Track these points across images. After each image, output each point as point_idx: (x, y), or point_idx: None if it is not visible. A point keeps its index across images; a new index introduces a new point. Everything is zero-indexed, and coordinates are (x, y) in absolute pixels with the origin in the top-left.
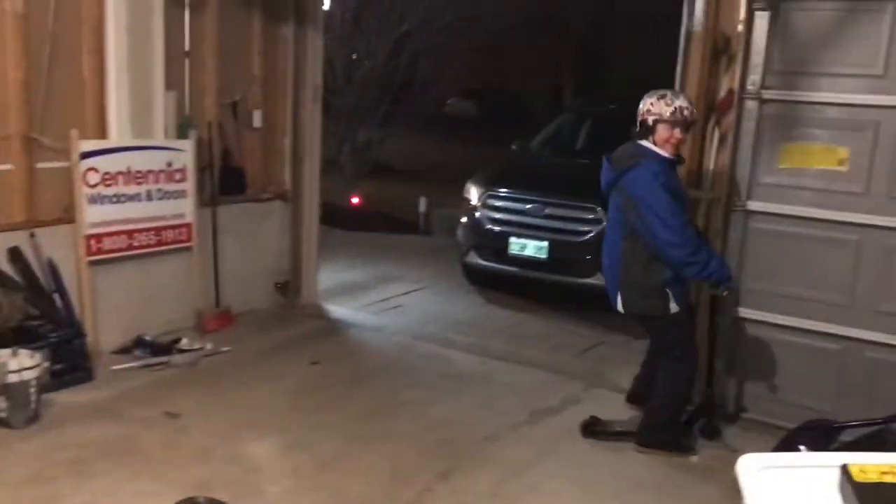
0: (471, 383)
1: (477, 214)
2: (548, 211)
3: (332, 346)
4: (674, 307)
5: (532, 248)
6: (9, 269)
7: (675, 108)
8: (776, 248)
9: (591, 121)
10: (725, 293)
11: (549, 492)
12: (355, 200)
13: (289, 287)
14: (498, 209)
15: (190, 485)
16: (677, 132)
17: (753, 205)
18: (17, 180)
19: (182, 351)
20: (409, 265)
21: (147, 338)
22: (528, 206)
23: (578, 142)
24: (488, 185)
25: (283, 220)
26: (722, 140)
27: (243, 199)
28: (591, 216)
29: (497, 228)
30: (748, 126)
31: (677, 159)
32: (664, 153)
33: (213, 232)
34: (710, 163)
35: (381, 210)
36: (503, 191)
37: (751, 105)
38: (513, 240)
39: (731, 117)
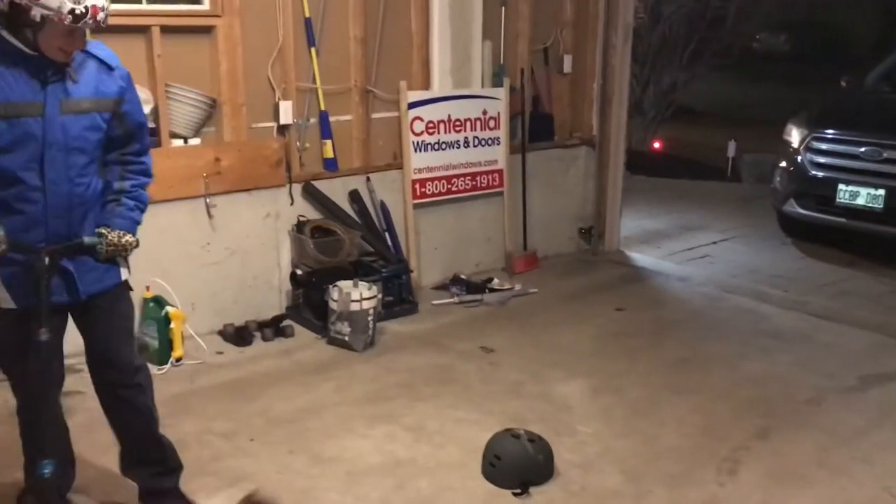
0: (788, 341)
1: (798, 159)
2: (886, 154)
3: (636, 294)
4: None
5: (865, 196)
6: (349, 210)
7: None
8: None
9: None
10: None
11: (885, 465)
12: (657, 145)
13: (592, 233)
14: (824, 153)
15: (506, 417)
16: None
17: None
18: (356, 129)
19: (493, 290)
20: (715, 214)
21: (462, 276)
22: (862, 150)
23: None
24: (813, 125)
25: (589, 165)
26: None
27: (551, 145)
28: None
29: (822, 174)
30: None
31: None
32: None
33: (523, 177)
34: None
35: (684, 155)
36: (831, 132)
37: None
38: (841, 187)
39: None
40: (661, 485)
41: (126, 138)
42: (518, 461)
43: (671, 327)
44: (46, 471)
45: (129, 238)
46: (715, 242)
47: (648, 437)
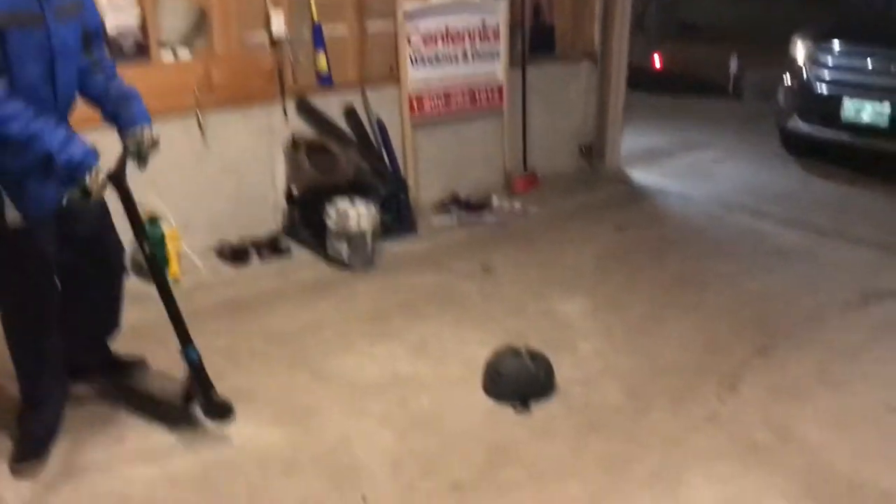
0: (789, 259)
1: (803, 74)
2: (894, 68)
3: (637, 213)
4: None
5: (870, 111)
6: (345, 127)
7: None
8: None
9: None
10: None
11: (884, 378)
12: (657, 62)
13: (592, 151)
14: (830, 67)
15: (507, 334)
16: None
17: None
18: (351, 42)
19: (493, 210)
20: (717, 131)
21: (461, 196)
22: (870, 63)
23: None
24: (819, 39)
25: (590, 81)
26: None
27: (552, 59)
28: None
29: (827, 89)
30: None
31: None
32: None
33: (523, 92)
34: None
35: (686, 72)
36: (838, 45)
37: None
38: (847, 102)
39: None
40: (662, 401)
41: (86, 42)
42: (519, 377)
43: (672, 246)
44: (194, 354)
45: (156, 130)
46: (716, 160)
47: (650, 354)
